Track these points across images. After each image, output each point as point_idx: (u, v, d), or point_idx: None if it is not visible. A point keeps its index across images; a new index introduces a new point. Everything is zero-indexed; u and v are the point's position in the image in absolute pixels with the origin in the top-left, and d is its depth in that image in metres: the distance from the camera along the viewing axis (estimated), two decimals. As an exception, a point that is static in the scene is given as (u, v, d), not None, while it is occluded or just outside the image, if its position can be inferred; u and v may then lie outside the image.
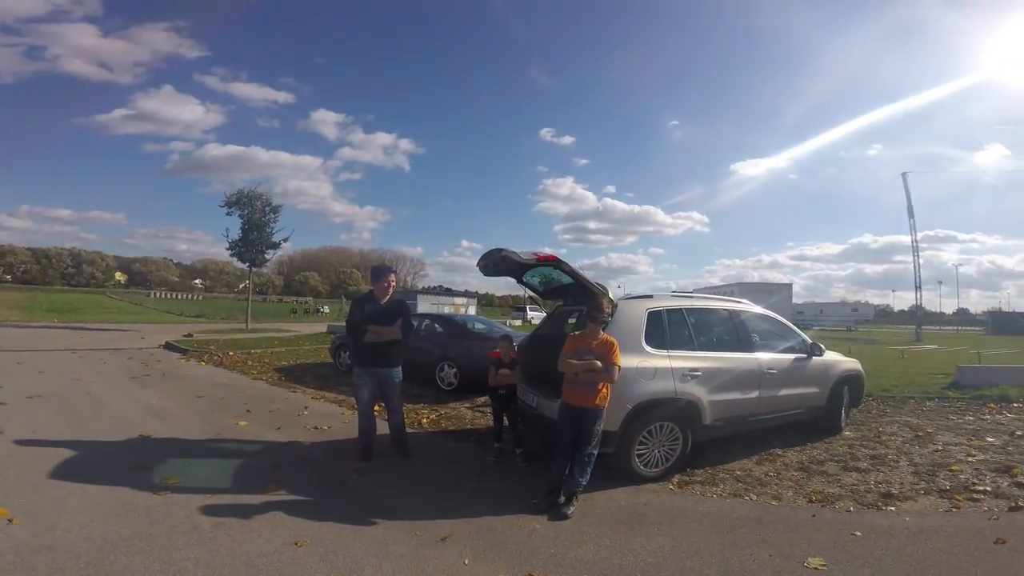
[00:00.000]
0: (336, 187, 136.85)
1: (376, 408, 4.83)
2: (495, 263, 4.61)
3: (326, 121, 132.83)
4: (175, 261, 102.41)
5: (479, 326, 9.95)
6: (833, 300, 72.73)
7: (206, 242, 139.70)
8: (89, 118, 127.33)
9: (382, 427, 4.89)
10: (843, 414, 6.13)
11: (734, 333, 5.18)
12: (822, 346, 5.87)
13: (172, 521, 3.15)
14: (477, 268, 4.92)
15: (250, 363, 10.70)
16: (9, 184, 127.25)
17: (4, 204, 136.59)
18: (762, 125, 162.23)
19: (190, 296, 71.81)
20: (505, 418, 5.02)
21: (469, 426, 6.13)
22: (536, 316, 34.61)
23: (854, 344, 17.32)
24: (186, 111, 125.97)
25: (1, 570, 2.50)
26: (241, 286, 76.36)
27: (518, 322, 31.99)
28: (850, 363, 6.41)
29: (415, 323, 7.78)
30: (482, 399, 7.24)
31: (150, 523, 3.10)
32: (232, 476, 4.10)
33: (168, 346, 13.40)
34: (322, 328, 20.66)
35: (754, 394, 5.00)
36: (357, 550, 2.95)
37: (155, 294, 69.91)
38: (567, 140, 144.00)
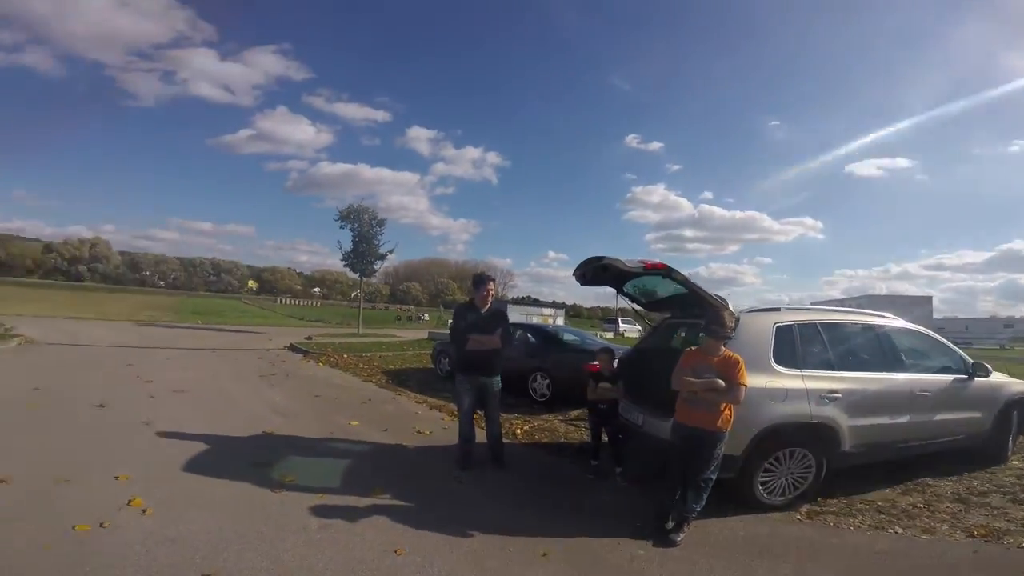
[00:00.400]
0: (432, 201, 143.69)
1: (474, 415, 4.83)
2: (595, 272, 4.40)
3: (420, 138, 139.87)
4: (297, 271, 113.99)
5: (571, 337, 9.73)
6: (980, 315, 62.70)
7: (323, 253, 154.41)
8: (218, 138, 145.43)
9: (478, 435, 4.87)
10: (1010, 442, 5.29)
11: (878, 350, 4.56)
12: (988, 366, 5.02)
13: (284, 520, 3.29)
14: (572, 277, 4.74)
15: (361, 366, 11.33)
16: (162, 199, 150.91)
17: (158, 217, 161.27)
18: (879, 122, 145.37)
19: (310, 303, 78.48)
20: (604, 434, 4.78)
21: (563, 439, 5.94)
22: (629, 329, 33.10)
23: (1012, 364, 14.71)
24: (299, 131, 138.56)
25: (128, 560, 2.71)
26: (353, 294, 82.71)
27: (610, 334, 30.70)
28: (1021, 385, 5.46)
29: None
30: (576, 412, 7.02)
31: (264, 521, 3.26)
32: (342, 476, 4.26)
33: (291, 347, 14.60)
34: (423, 335, 21.48)
35: (904, 419, 4.36)
36: (453, 562, 2.91)
37: (281, 300, 77.50)
38: (655, 146, 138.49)
